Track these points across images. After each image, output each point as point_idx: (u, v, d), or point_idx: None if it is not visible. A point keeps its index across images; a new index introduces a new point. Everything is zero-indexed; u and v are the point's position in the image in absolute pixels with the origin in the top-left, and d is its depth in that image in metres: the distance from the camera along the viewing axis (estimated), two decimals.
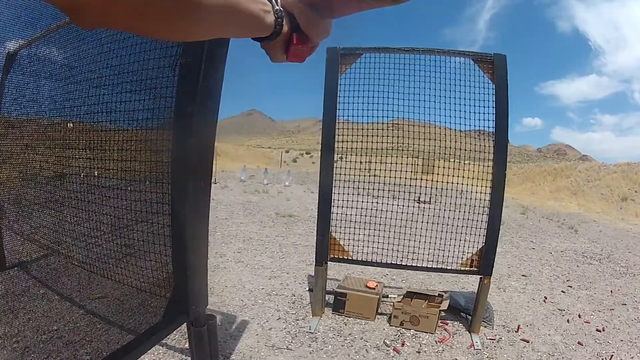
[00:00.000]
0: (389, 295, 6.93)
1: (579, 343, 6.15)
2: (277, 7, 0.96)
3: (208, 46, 2.64)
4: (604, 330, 6.72)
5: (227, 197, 19.19)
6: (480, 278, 5.85)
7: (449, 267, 5.95)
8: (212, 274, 7.46)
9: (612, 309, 7.85)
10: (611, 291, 9.06)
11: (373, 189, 6.19)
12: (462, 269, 5.90)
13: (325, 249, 5.89)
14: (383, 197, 6.18)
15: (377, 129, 6.07)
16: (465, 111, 5.74)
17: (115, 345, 3.21)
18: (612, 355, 5.82)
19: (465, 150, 5.97)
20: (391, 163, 6.22)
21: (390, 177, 6.19)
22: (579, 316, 7.27)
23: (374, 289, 6.39)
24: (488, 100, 5.67)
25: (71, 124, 3.96)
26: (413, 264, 6.05)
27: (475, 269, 5.83)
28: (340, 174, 5.96)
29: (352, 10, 0.96)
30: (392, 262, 6.04)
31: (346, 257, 6.02)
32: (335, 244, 5.97)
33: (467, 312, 6.46)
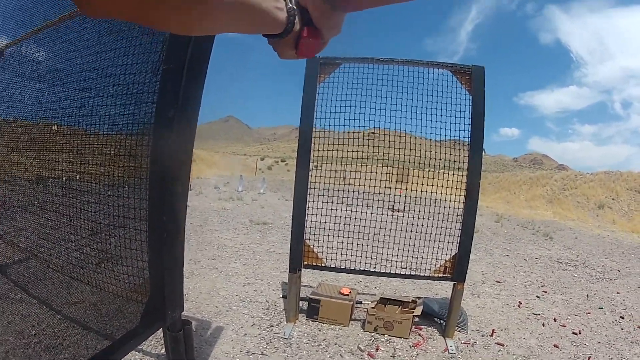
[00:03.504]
0: (363, 302, 6.98)
1: (555, 346, 6.22)
2: (290, 5, 0.97)
3: (191, 52, 2.66)
4: (580, 333, 6.81)
5: (202, 204, 19.16)
6: (454, 284, 5.91)
7: (422, 274, 6.01)
8: (187, 281, 7.43)
9: (589, 313, 7.96)
10: (587, 295, 9.20)
11: (347, 197, 6.24)
12: (435, 275, 5.96)
13: (299, 256, 5.91)
14: (357, 205, 6.28)
15: (354, 138, 6.11)
16: (441, 121, 5.80)
17: (93, 350, 3.21)
18: (589, 357, 5.91)
19: (440, 159, 6.03)
20: (366, 172, 6.28)
21: (364, 185, 6.27)
22: (555, 320, 7.36)
23: (348, 295, 6.43)
24: (464, 111, 5.74)
25: (56, 127, 3.95)
26: (386, 271, 6.10)
27: (448, 275, 5.89)
28: (316, 182, 6.00)
29: (368, 5, 0.97)
30: (366, 269, 6.09)
31: (320, 264, 6.04)
32: (309, 251, 5.99)
33: (441, 318, 6.52)
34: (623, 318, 7.87)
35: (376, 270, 6.13)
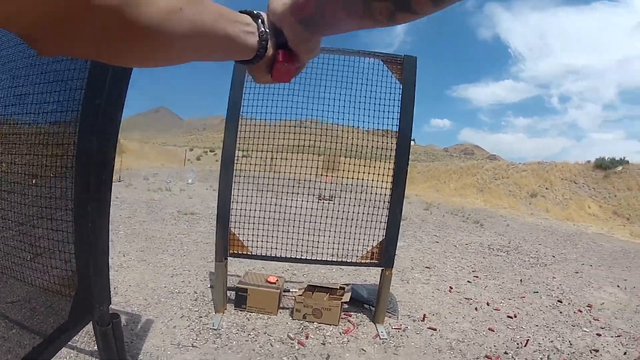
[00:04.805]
0: (291, 290, 6.97)
1: (489, 329, 6.31)
2: (263, 29, 0.93)
3: None
4: (516, 317, 6.91)
5: (131, 195, 18.95)
6: (382, 270, 5.98)
7: (350, 260, 6.07)
8: (116, 274, 7.37)
9: (523, 297, 8.09)
10: (521, 280, 9.39)
11: (276, 185, 6.30)
12: (363, 261, 6.02)
13: (225, 245, 5.87)
14: (286, 193, 6.22)
15: (284, 126, 6.16)
16: (373, 109, 5.85)
17: (27, 348, 3.15)
18: (527, 340, 5.98)
19: (371, 147, 6.09)
20: (294, 159, 6.34)
21: (293, 172, 6.32)
22: (488, 304, 7.48)
23: (275, 283, 6.42)
24: (395, 100, 5.79)
25: None
26: (314, 258, 6.17)
27: (376, 261, 5.95)
28: (243, 170, 6.01)
29: (346, 29, 0.94)
30: (293, 256, 6.11)
31: (246, 253, 6.02)
32: (234, 239, 5.96)
33: (370, 304, 6.56)
34: (561, 302, 8.01)
35: (303, 258, 6.15)
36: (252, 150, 6.10)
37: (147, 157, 59.28)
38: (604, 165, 32.45)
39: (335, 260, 6.15)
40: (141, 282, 7.24)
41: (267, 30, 0.93)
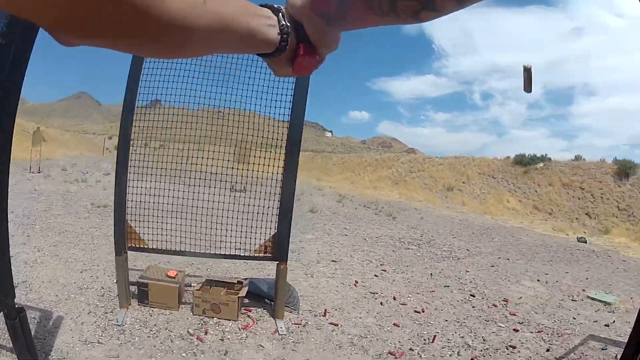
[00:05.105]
0: (192, 284, 6.92)
1: (394, 324, 6.39)
2: (284, 22, 0.92)
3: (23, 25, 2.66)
4: (423, 312, 7.00)
5: (48, 187, 18.34)
6: (277, 264, 6.00)
7: (245, 254, 6.11)
8: (31, 269, 7.33)
9: (433, 291, 8.21)
10: (431, 274, 9.50)
11: (177, 176, 6.23)
12: (257, 255, 6.06)
13: (122, 238, 5.85)
14: (196, 185, 6.29)
15: (197, 113, 6.13)
16: (268, 98, 5.81)
17: None
18: (435, 335, 6.05)
19: (267, 138, 6.08)
20: (207, 150, 6.27)
21: (204, 164, 6.31)
22: (394, 298, 7.56)
23: (175, 277, 6.39)
24: (289, 89, 5.77)
25: None
26: (210, 252, 6.14)
27: (269, 255, 5.99)
28: (146, 160, 5.97)
29: (367, 24, 0.96)
30: (193, 250, 6.06)
31: (144, 246, 6.00)
32: (132, 232, 5.93)
33: (270, 299, 6.56)
34: (474, 296, 8.14)
35: (199, 251, 6.10)
36: (152, 140, 6.13)
37: (67, 146, 57.40)
38: (523, 162, 33.06)
39: (230, 254, 6.13)
40: (53, 278, 7.20)
41: (288, 24, 0.93)
